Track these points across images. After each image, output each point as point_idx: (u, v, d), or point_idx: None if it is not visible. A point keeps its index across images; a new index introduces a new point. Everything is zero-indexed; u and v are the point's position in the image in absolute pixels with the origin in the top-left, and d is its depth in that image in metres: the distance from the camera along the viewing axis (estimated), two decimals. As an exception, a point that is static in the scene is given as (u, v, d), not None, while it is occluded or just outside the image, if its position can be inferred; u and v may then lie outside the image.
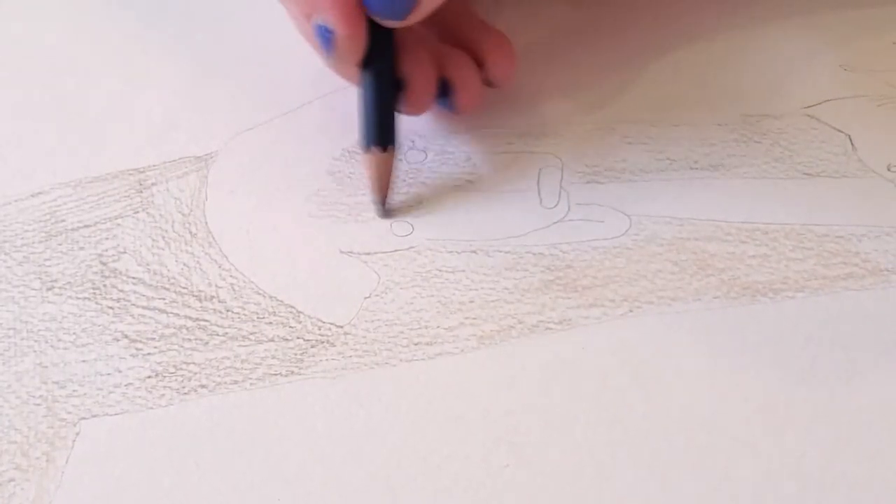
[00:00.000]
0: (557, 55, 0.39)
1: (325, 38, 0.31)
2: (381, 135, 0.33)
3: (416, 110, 0.34)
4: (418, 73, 0.33)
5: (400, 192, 0.34)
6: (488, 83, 0.35)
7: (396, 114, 0.33)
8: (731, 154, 0.34)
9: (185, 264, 0.32)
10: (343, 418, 0.28)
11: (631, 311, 0.30)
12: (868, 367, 0.28)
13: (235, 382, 0.29)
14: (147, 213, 0.34)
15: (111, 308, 0.31)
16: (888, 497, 0.25)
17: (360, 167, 0.33)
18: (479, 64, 0.34)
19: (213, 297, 0.31)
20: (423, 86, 0.33)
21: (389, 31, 0.32)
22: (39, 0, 0.44)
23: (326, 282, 0.32)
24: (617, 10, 0.40)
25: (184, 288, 0.32)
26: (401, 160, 0.35)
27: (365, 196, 0.34)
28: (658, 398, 0.28)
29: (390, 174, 0.33)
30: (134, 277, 0.32)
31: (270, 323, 0.31)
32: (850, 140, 0.34)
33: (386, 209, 0.33)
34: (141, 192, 0.35)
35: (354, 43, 0.31)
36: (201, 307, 0.31)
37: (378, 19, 0.31)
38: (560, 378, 0.29)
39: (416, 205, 0.34)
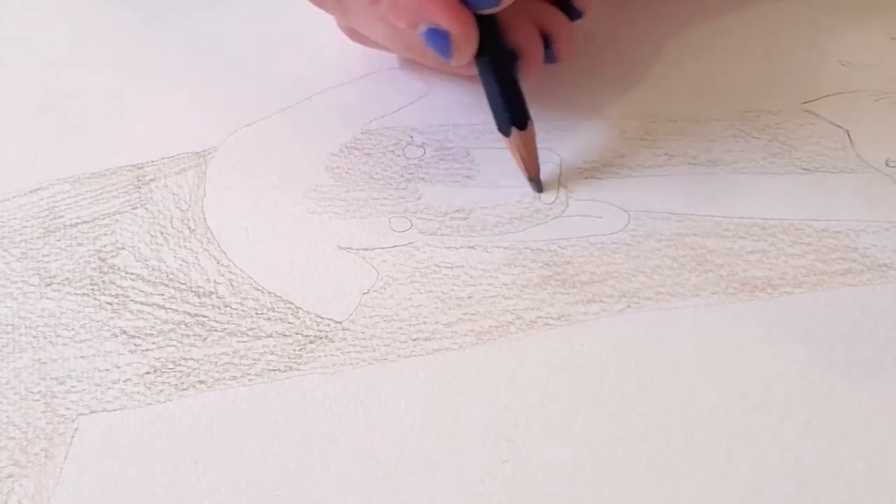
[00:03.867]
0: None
1: (440, 42, 0.31)
2: (516, 116, 0.33)
3: (533, 75, 0.34)
4: (526, 40, 0.33)
5: (398, 188, 0.34)
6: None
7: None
8: (730, 150, 0.34)
9: (183, 260, 0.32)
10: (341, 414, 0.28)
11: (629, 306, 0.30)
12: (866, 363, 0.28)
13: (234, 378, 0.29)
14: (145, 208, 0.34)
15: (109, 304, 0.31)
16: (888, 495, 0.25)
17: (507, 152, 0.34)
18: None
19: (211, 292, 0.31)
20: (534, 51, 0.34)
21: (491, 16, 0.32)
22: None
23: (325, 278, 0.32)
24: (612, 7, 0.40)
25: (182, 284, 0.32)
26: (399, 156, 0.35)
27: (363, 191, 0.34)
28: (656, 394, 0.28)
29: (535, 149, 0.33)
30: (132, 273, 0.32)
31: (269, 319, 0.31)
32: (849, 135, 0.34)
33: (540, 183, 0.34)
34: (139, 188, 0.35)
35: (469, 38, 0.31)
36: (200, 303, 0.31)
37: (477, 10, 0.31)
38: (558, 374, 0.29)
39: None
